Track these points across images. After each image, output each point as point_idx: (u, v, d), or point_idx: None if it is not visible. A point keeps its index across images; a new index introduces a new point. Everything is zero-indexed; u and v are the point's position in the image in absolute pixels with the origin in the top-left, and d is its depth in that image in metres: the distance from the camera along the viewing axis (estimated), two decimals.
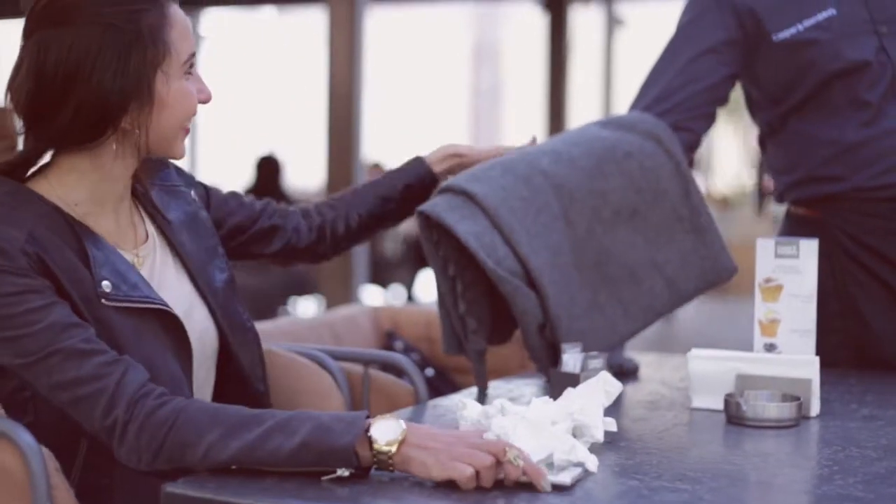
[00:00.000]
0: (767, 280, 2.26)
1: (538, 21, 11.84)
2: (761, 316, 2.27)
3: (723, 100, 2.73)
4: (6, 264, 1.72)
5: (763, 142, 2.87)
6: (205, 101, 1.94)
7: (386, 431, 1.61)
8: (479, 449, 1.58)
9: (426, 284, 12.08)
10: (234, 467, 1.63)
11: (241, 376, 2.07)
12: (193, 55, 1.90)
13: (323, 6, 8.11)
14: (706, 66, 2.68)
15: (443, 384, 3.03)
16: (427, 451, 1.59)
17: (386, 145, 15.95)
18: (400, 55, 23.11)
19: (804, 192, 2.72)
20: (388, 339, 3.19)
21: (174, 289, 1.98)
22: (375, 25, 8.11)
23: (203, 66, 13.81)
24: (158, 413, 1.67)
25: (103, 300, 1.80)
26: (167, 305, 1.89)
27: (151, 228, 2.01)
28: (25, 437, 1.65)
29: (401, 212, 2.45)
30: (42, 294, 1.73)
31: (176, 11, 1.88)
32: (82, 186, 1.87)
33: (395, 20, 20.47)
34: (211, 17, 14.68)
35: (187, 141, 1.98)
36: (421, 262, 11.57)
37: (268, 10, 17.87)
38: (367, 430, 1.61)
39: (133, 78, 1.81)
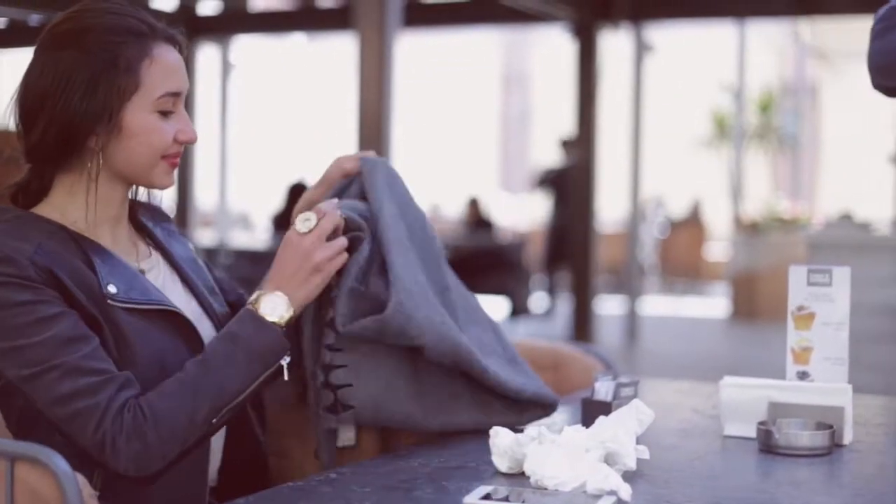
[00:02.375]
0: (800, 308, 2.26)
1: (567, 47, 11.84)
2: (794, 344, 2.26)
3: None
4: (14, 273, 1.83)
5: None
6: (186, 142, 2.03)
7: (275, 307, 1.97)
8: (313, 254, 1.99)
9: None
10: (214, 420, 1.87)
11: None
12: (176, 94, 1.99)
13: (352, 33, 8.14)
14: None
15: None
16: (302, 288, 1.99)
17: (415, 171, 15.97)
18: (429, 81, 23.15)
19: None
20: None
21: (181, 302, 2.07)
22: (405, 52, 8.13)
23: (232, 93, 13.87)
24: (136, 418, 1.82)
25: (109, 301, 1.90)
26: (176, 307, 2.00)
27: (154, 251, 2.12)
28: (60, 464, 1.66)
29: None
30: (48, 304, 1.84)
31: (162, 51, 1.98)
32: (76, 205, 1.98)
33: (424, 46, 20.52)
34: (240, 44, 14.75)
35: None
36: None
37: (297, 37, 17.94)
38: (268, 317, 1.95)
39: (99, 103, 1.92)
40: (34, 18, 11.89)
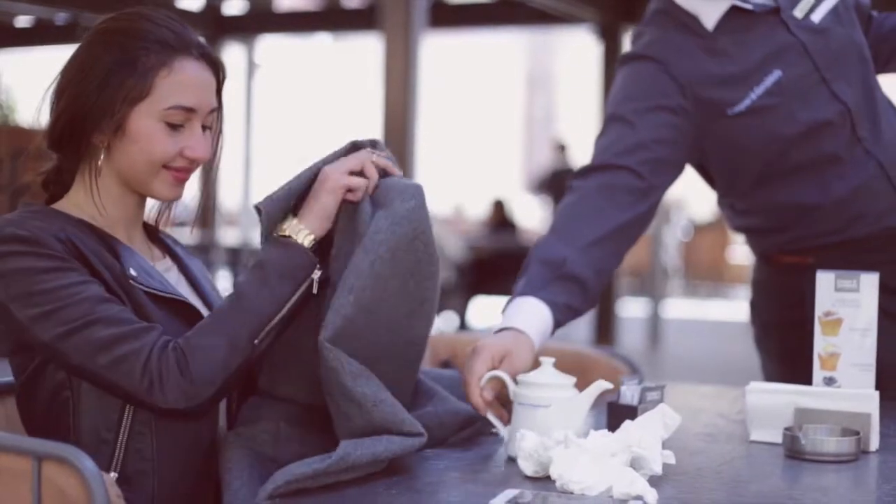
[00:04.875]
0: (827, 313, 2.25)
1: (592, 48, 11.83)
2: (821, 350, 2.25)
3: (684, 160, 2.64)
4: (41, 249, 1.88)
5: (731, 206, 2.80)
6: (194, 160, 2.04)
7: (292, 230, 1.98)
8: (329, 175, 2.03)
9: (479, 311, 12.08)
10: (256, 342, 1.90)
11: None
12: (189, 110, 2.00)
13: (378, 33, 8.15)
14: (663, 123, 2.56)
15: None
16: (314, 207, 2.00)
17: (440, 172, 15.97)
18: (455, 82, 23.16)
19: (793, 246, 2.70)
20: (443, 368, 3.19)
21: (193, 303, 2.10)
22: (430, 52, 8.13)
23: (257, 93, 13.90)
24: (178, 356, 1.87)
25: (132, 281, 1.94)
26: (190, 301, 2.04)
27: (168, 257, 2.17)
28: (87, 463, 1.67)
29: None
30: (77, 272, 1.89)
31: (186, 65, 1.99)
32: (92, 204, 2.02)
33: (450, 47, 20.53)
34: (265, 44, 14.77)
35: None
36: (474, 289, 11.57)
37: (322, 37, 17.96)
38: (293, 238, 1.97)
39: (107, 99, 1.95)
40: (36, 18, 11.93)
